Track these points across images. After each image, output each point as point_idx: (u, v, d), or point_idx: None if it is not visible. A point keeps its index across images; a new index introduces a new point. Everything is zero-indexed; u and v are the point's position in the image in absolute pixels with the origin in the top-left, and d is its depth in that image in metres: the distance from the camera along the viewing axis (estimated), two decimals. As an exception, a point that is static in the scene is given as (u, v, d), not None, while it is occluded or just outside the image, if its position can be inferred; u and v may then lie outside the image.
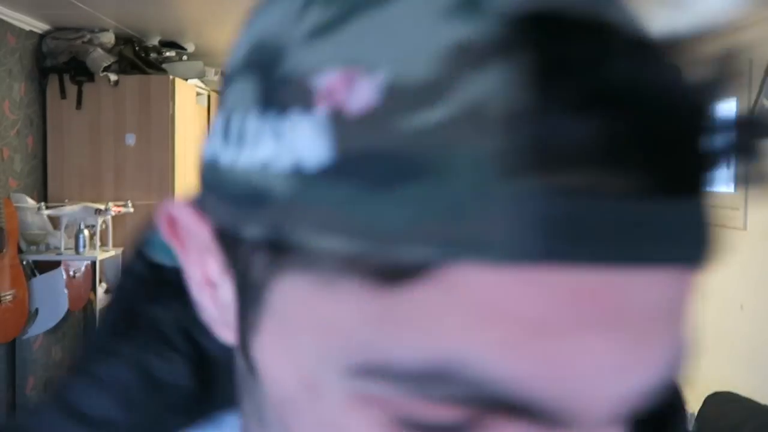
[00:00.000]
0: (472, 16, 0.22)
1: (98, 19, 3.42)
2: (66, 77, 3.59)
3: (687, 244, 0.24)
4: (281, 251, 0.25)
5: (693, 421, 3.47)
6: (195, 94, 4.15)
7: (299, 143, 0.23)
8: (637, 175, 0.21)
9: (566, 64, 0.21)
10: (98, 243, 3.38)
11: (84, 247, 3.28)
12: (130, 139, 3.67)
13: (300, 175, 0.23)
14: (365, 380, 0.24)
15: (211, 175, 0.29)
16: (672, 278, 0.24)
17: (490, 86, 0.21)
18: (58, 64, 3.56)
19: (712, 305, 3.59)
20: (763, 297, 3.15)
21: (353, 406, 0.24)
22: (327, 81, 0.23)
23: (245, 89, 0.26)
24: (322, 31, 0.24)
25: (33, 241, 3.29)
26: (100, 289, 3.49)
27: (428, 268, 0.22)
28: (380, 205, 0.22)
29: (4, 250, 2.92)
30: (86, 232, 3.29)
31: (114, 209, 3.38)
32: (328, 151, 0.22)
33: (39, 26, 3.48)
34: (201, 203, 0.30)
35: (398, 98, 0.22)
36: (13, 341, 3.20)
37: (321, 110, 0.23)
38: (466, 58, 0.21)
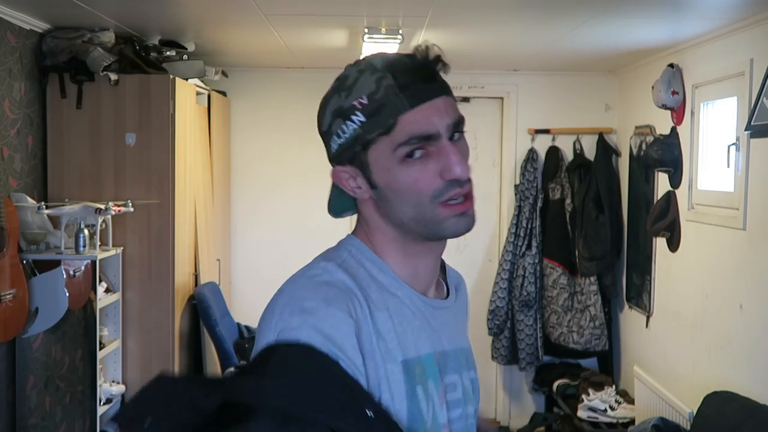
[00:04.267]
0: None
1: (98, 18, 3.42)
2: (66, 76, 3.58)
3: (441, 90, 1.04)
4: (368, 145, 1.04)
5: (692, 419, 3.47)
6: (195, 93, 4.15)
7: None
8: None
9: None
10: (98, 242, 3.38)
11: (84, 246, 3.28)
12: (130, 139, 3.67)
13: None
14: (397, 150, 1.01)
15: (336, 145, 1.08)
16: (445, 99, 1.04)
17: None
18: (58, 64, 3.56)
19: (712, 305, 3.58)
20: (763, 297, 3.15)
21: (397, 161, 1.02)
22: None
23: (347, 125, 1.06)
24: None
25: (33, 241, 3.29)
26: (100, 288, 3.49)
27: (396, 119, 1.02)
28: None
29: (4, 250, 2.92)
30: (86, 231, 3.29)
31: (114, 209, 3.38)
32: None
33: (39, 25, 3.48)
34: (336, 159, 1.09)
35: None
36: (13, 340, 3.20)
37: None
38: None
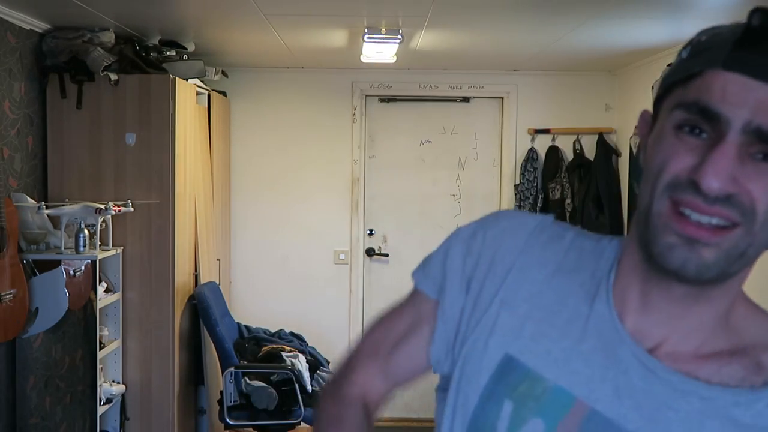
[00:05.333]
0: None
1: (98, 18, 3.42)
2: (66, 76, 3.59)
3: None
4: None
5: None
6: (195, 93, 4.15)
7: None
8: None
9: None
10: (98, 242, 3.38)
11: (84, 246, 3.28)
12: (130, 139, 3.67)
13: None
14: (674, 112, 0.73)
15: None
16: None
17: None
18: (58, 64, 3.56)
19: (712, 305, 3.58)
20: (763, 297, 3.14)
21: (670, 126, 0.73)
22: None
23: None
24: None
25: (33, 241, 3.29)
26: (100, 288, 3.49)
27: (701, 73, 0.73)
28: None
29: (5, 250, 2.92)
30: (86, 231, 3.29)
31: (114, 209, 3.38)
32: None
33: (39, 25, 3.48)
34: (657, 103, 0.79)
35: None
36: (14, 340, 3.20)
37: None
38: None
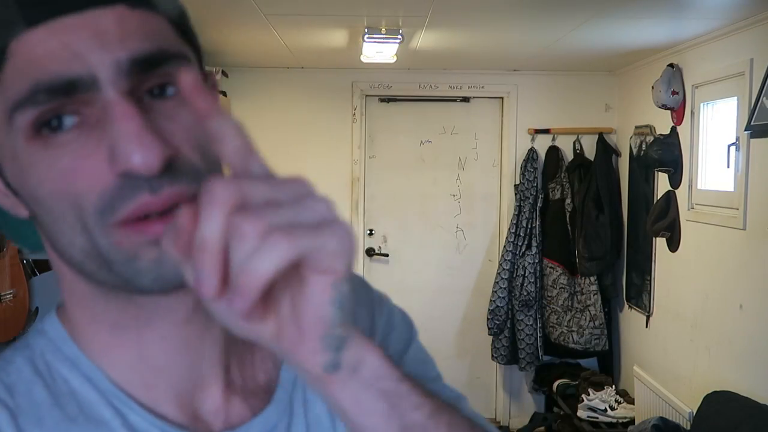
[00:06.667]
0: None
1: (98, 18, 3.42)
2: (66, 76, 3.58)
3: None
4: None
5: (692, 419, 3.47)
6: (195, 93, 4.15)
7: None
8: None
9: None
10: (98, 242, 3.38)
11: (84, 246, 3.27)
12: (130, 139, 3.67)
13: None
14: (16, 118, 0.49)
15: None
16: (117, 12, 0.50)
17: None
18: (58, 64, 3.56)
19: (712, 305, 3.59)
20: (763, 297, 3.15)
21: (24, 140, 0.50)
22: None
23: None
24: None
25: (33, 241, 3.29)
26: (100, 288, 3.49)
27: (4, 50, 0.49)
28: None
29: (5, 250, 2.92)
30: (86, 231, 3.29)
31: (114, 208, 3.37)
32: None
33: (39, 25, 3.48)
34: None
35: None
36: (13, 340, 3.20)
37: None
38: None
